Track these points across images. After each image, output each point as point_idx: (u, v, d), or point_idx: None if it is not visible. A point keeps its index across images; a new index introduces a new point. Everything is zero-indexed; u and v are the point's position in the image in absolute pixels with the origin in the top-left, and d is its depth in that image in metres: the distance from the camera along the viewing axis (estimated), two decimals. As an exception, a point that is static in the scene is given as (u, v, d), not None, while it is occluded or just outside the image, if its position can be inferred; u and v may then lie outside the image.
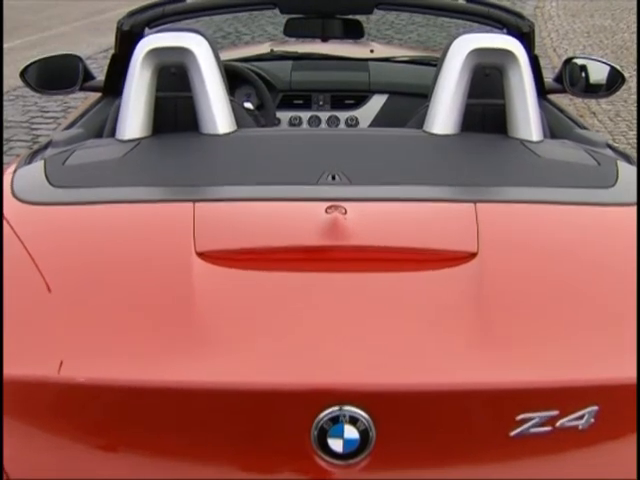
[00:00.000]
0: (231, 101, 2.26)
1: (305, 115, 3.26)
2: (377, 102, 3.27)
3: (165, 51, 2.17)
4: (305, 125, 3.26)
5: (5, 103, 6.80)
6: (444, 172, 1.99)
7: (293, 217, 1.75)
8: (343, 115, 3.26)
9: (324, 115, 3.27)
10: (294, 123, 3.25)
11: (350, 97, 3.29)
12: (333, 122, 3.26)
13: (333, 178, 1.90)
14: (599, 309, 1.54)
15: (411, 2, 2.79)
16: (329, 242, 1.63)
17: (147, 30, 2.85)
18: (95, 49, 9.05)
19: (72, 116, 2.94)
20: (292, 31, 3.04)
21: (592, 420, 1.35)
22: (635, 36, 9.53)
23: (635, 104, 6.91)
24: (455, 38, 2.27)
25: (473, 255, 1.63)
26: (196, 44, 2.17)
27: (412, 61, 3.49)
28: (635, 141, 6.13)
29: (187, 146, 2.11)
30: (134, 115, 2.15)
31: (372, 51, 3.49)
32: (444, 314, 1.50)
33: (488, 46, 2.19)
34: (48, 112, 6.80)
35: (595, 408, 1.35)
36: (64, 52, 3.03)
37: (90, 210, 1.79)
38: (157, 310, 1.51)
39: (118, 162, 2.01)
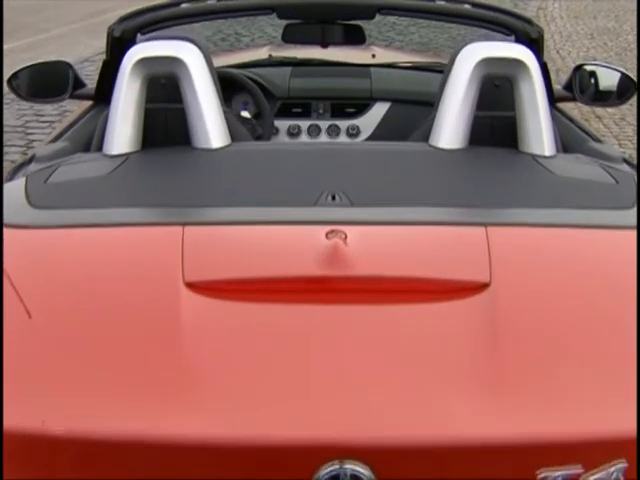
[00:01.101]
0: (225, 112, 2.14)
1: (304, 124, 3.14)
2: (379, 110, 3.15)
3: (155, 61, 2.05)
4: (304, 134, 3.14)
5: (0, 107, 6.69)
6: (452, 191, 1.86)
7: (290, 243, 1.63)
8: (344, 124, 3.14)
9: (324, 124, 3.15)
10: (293, 132, 3.13)
11: (351, 105, 3.17)
12: (333, 131, 3.14)
13: (333, 198, 1.78)
14: (627, 350, 1.40)
15: (414, 7, 2.67)
16: (329, 272, 1.51)
17: (139, 36, 2.74)
18: (93, 51, 8.93)
19: (60, 126, 2.82)
20: (291, 37, 2.91)
21: (620, 477, 1.22)
22: (639, 38, 9.42)
23: (641, 108, 6.79)
24: (462, 47, 2.14)
25: (485, 286, 1.51)
26: (187, 53, 2.05)
27: (416, 67, 3.36)
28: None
29: (178, 162, 1.99)
30: (122, 128, 2.03)
31: (374, 56, 3.36)
32: (453, 356, 1.38)
33: (498, 55, 2.07)
34: (44, 116, 6.68)
35: (623, 464, 1.22)
36: (53, 59, 2.92)
37: (70, 234, 1.66)
38: (141, 353, 1.38)
39: (104, 180, 1.88)
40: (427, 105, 3.14)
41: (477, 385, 1.32)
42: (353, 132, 3.13)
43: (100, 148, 2.14)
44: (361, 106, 3.16)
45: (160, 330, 1.42)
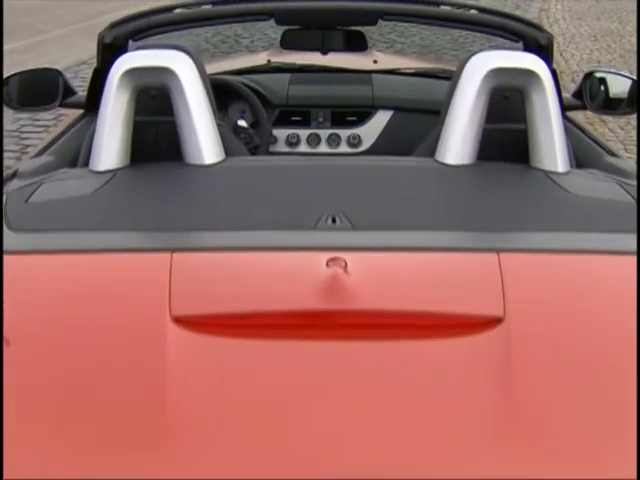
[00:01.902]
0: (219, 126, 2.02)
1: (304, 133, 3.03)
2: (381, 119, 3.04)
3: (144, 71, 1.93)
4: (304, 144, 3.02)
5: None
6: (460, 212, 1.74)
7: (287, 273, 1.50)
8: (345, 133, 3.03)
9: (324, 133, 3.03)
10: (292, 142, 3.02)
11: (352, 113, 3.05)
12: (334, 140, 3.03)
13: (334, 221, 1.66)
14: None
15: (418, 13, 2.55)
16: (328, 306, 1.39)
17: (131, 43, 2.64)
18: (91, 53, 8.80)
19: (48, 138, 2.71)
20: (290, 43, 2.80)
21: None
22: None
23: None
24: (470, 56, 2.03)
25: (499, 321, 1.39)
26: (179, 63, 1.93)
27: (419, 73, 3.25)
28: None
29: (168, 180, 1.87)
30: (109, 143, 1.91)
31: (376, 61, 3.24)
32: (463, 401, 1.26)
33: (508, 66, 1.94)
34: (39, 120, 6.58)
35: None
36: (42, 66, 2.82)
37: (50, 261, 1.53)
38: (121, 398, 1.26)
39: (89, 200, 1.76)
40: (431, 113, 3.03)
41: (489, 435, 1.21)
42: (354, 141, 3.01)
43: (87, 163, 2.03)
44: (362, 114, 3.05)
45: (143, 372, 1.30)
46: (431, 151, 2.03)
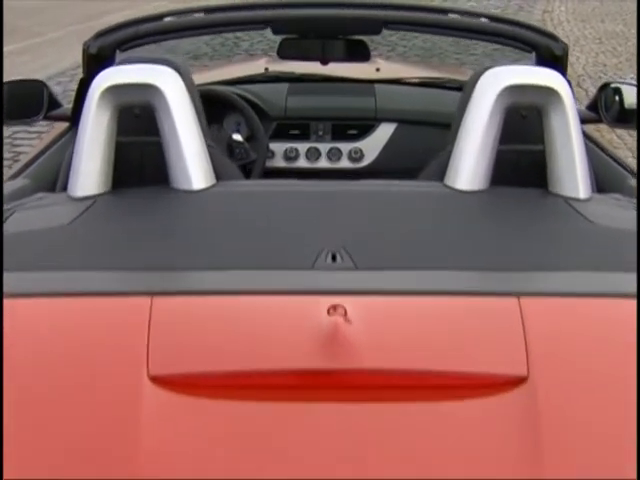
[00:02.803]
0: (210, 147, 1.85)
1: (302, 147, 2.87)
2: (384, 132, 2.88)
3: (126, 88, 1.76)
4: (303, 158, 2.86)
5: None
6: (474, 247, 1.57)
7: (280, 322, 1.33)
8: (346, 147, 2.87)
9: (324, 147, 2.87)
10: (290, 156, 2.85)
11: (354, 126, 2.89)
12: (334, 155, 2.87)
13: (334, 259, 1.49)
14: None
15: (424, 21, 2.39)
16: (328, 364, 1.22)
17: (119, 53, 2.49)
18: (87, 57, 8.67)
19: (29, 155, 2.54)
20: (287, 53, 2.64)
21: None
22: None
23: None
24: (483, 71, 1.86)
25: (522, 380, 1.22)
26: (165, 79, 1.76)
27: (424, 83, 3.08)
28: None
29: (151, 208, 1.70)
30: (89, 166, 1.75)
31: (378, 70, 3.08)
32: (483, 474, 1.10)
33: (525, 82, 1.77)
34: (33, 126, 6.42)
35: None
36: (26, 77, 2.67)
37: (13, 305, 1.35)
38: (91, 470, 1.10)
39: (64, 231, 1.59)
40: (437, 126, 2.87)
41: None
42: (356, 156, 2.85)
43: (66, 187, 1.86)
44: (365, 127, 2.89)
45: (115, 440, 1.13)
46: (440, 172, 1.86)
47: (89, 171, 1.74)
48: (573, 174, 1.77)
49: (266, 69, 3.13)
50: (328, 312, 1.24)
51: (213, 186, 1.77)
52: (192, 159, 1.74)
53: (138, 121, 1.94)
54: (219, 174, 1.84)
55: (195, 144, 1.76)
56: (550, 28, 11.35)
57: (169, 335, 1.30)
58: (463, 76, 3.33)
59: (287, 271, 1.44)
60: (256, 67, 3.26)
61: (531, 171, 1.89)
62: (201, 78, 3.26)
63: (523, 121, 1.96)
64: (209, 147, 1.85)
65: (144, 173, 1.89)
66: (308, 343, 1.23)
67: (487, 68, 1.88)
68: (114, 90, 1.75)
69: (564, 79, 1.84)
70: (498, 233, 1.62)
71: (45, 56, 9.80)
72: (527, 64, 2.19)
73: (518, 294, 1.36)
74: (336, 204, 1.69)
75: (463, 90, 2.00)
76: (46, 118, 2.56)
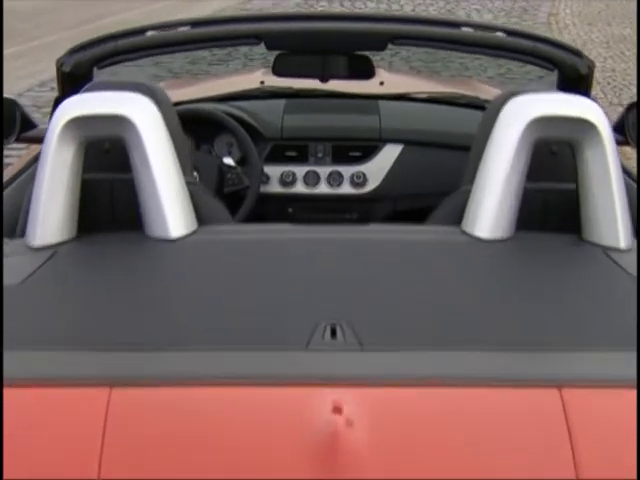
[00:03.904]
0: (190, 185, 1.60)
1: (300, 170, 2.63)
2: (390, 154, 2.64)
3: (92, 121, 1.51)
4: (300, 183, 2.63)
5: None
6: (502, 315, 1.31)
7: (263, 423, 1.07)
8: (347, 171, 2.63)
9: (324, 171, 2.63)
10: (287, 181, 2.62)
11: (356, 147, 2.65)
12: (335, 180, 2.63)
13: (333, 334, 1.23)
14: None
15: (435, 36, 2.15)
16: None
17: (96, 71, 2.25)
18: (82, 61, 8.43)
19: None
20: (283, 69, 2.41)
21: None
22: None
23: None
24: (506, 98, 1.61)
25: None
26: (137, 109, 1.51)
27: (433, 99, 2.84)
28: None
29: (120, 262, 1.46)
30: (49, 211, 1.50)
31: (382, 83, 2.82)
32: None
33: (558, 114, 1.52)
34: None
35: None
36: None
37: None
38: None
39: (14, 294, 1.34)
40: (448, 148, 2.63)
41: None
42: (358, 181, 2.61)
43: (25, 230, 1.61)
44: (368, 149, 2.65)
45: None
46: (455, 215, 1.61)
47: (49, 216, 1.49)
48: (612, 220, 1.51)
49: (262, 83, 2.88)
50: (325, 409, 1.00)
51: (193, 233, 1.52)
52: (169, 202, 1.49)
53: (108, 156, 1.69)
54: (202, 215, 1.59)
55: (172, 184, 1.51)
56: (556, 31, 11.10)
57: (128, 435, 1.06)
58: (474, 91, 3.09)
59: (274, 353, 1.18)
60: (251, 81, 3.02)
61: (561, 213, 1.64)
62: (192, 93, 3.03)
63: (552, 156, 1.71)
64: (190, 185, 1.60)
65: (115, 214, 1.64)
66: (298, 452, 0.99)
67: (512, 94, 1.62)
68: (78, 122, 1.50)
69: (600, 109, 1.59)
70: (528, 295, 1.37)
71: (40, 61, 9.57)
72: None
73: (559, 383, 1.11)
74: (337, 258, 1.44)
75: (483, 118, 1.75)
76: (19, 140, 2.32)
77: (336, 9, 12.63)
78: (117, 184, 1.61)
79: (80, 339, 1.22)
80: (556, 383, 1.11)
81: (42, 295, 1.35)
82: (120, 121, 1.48)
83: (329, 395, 1.03)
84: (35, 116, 6.44)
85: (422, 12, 12.35)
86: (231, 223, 1.73)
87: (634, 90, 7.61)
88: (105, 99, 1.53)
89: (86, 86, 1.74)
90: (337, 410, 0.99)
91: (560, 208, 1.63)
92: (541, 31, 11.22)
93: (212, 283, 1.36)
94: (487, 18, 11.91)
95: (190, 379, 1.12)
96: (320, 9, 12.65)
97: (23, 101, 7.34)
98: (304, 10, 11.17)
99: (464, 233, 1.53)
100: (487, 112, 1.73)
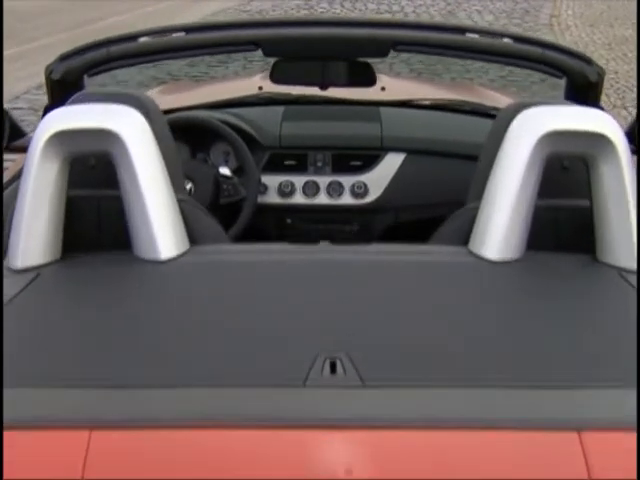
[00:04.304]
0: (182, 202, 1.52)
1: (299, 180, 2.54)
2: (391, 163, 2.55)
3: (77, 135, 1.41)
4: (299, 193, 2.54)
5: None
6: (514, 348, 1.22)
7: (254, 471, 0.98)
8: (348, 180, 2.54)
9: (323, 181, 2.55)
10: (285, 191, 2.53)
11: (357, 157, 2.56)
12: (335, 190, 2.54)
13: (333, 368, 1.14)
14: None
15: (439, 42, 2.07)
16: None
17: (87, 79, 2.17)
18: (79, 64, 8.34)
19: None
20: (281, 76, 2.32)
21: None
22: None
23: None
24: (516, 109, 1.52)
25: None
26: (125, 123, 1.41)
27: (436, 106, 2.75)
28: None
29: (106, 286, 1.37)
30: (32, 230, 1.41)
31: (383, 89, 2.73)
32: None
33: (571, 128, 1.42)
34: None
35: None
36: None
37: None
38: None
39: None
40: (452, 157, 2.54)
41: None
42: (359, 191, 2.53)
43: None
44: (369, 158, 2.56)
45: None
46: (461, 234, 1.52)
47: (32, 236, 1.41)
48: (628, 239, 1.42)
49: (260, 88, 2.79)
50: (323, 456, 0.91)
51: (185, 254, 1.43)
52: (158, 222, 1.40)
53: (94, 172, 1.60)
54: (194, 234, 1.51)
55: (162, 202, 1.42)
56: (558, 33, 11.02)
57: None
58: (479, 97, 3.00)
59: (268, 391, 1.09)
60: (249, 86, 2.93)
61: (573, 231, 1.55)
62: (189, 98, 2.95)
63: (563, 171, 1.62)
64: (182, 202, 1.51)
65: (102, 233, 1.55)
66: None
67: (523, 105, 1.53)
68: (62, 137, 1.41)
69: (616, 122, 1.50)
70: (541, 324, 1.27)
71: (37, 63, 9.49)
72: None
73: (578, 425, 1.02)
74: (336, 282, 1.35)
75: (492, 130, 1.66)
76: (8, 149, 2.24)
77: (336, 9, 12.56)
78: (104, 201, 1.53)
79: (59, 375, 1.13)
80: (575, 426, 1.02)
81: (21, 323, 1.26)
82: (107, 135, 1.39)
83: (328, 439, 0.94)
84: (32, 119, 6.37)
85: (423, 13, 12.27)
86: (225, 242, 1.64)
87: (638, 92, 7.53)
88: (91, 112, 1.44)
89: (72, 98, 1.66)
90: (336, 457, 0.90)
91: (572, 226, 1.54)
92: (543, 32, 11.14)
93: (202, 310, 1.28)
94: (488, 19, 11.83)
95: (175, 421, 1.03)
96: (320, 10, 12.58)
97: (20, 104, 7.28)
98: (303, 15, 11.10)
99: (471, 254, 1.44)
100: (496, 124, 1.65)
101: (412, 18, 11.84)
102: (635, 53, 9.58)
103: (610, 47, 10.04)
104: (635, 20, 11.70)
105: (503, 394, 1.09)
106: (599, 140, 1.42)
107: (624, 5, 12.59)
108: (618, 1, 13.19)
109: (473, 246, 1.45)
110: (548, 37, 10.79)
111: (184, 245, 1.44)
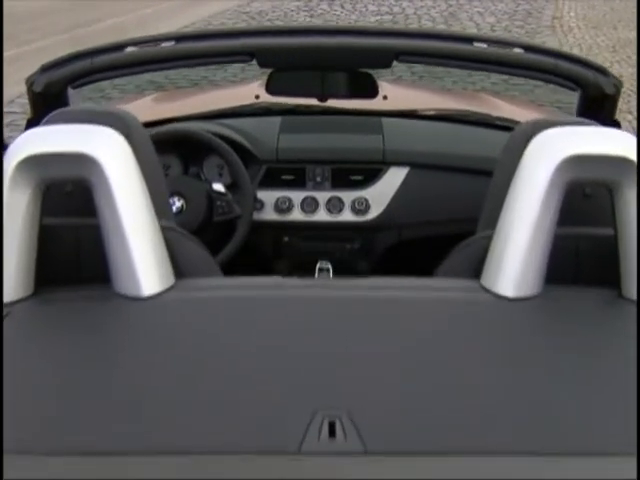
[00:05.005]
0: (168, 231, 1.39)
1: (297, 196, 2.41)
2: (394, 178, 2.42)
3: (51, 160, 1.28)
4: (297, 210, 2.41)
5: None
6: (533, 409, 1.08)
7: None
8: (348, 196, 2.41)
9: (322, 196, 2.42)
10: (282, 208, 2.40)
11: (358, 171, 2.44)
12: (335, 206, 2.41)
13: (332, 431, 1.01)
14: None
15: (445, 52, 1.94)
16: None
17: (70, 91, 2.05)
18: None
19: None
20: (278, 88, 2.19)
21: None
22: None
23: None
24: (532, 130, 1.38)
25: None
26: (104, 145, 1.28)
27: (441, 116, 2.62)
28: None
29: (83, 327, 1.24)
30: (2, 264, 1.28)
31: (385, 97, 2.60)
32: None
33: (595, 152, 1.29)
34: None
35: None
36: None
37: None
38: None
39: None
40: (457, 172, 2.42)
41: None
42: (360, 207, 2.40)
43: None
44: (371, 172, 2.43)
45: None
46: (470, 266, 1.39)
47: (2, 270, 1.28)
48: None
49: (257, 96, 2.66)
50: None
51: (170, 289, 1.30)
52: (140, 255, 1.27)
53: (71, 200, 1.47)
54: (181, 265, 1.38)
55: (145, 233, 1.29)
56: (560, 35, 10.89)
57: None
58: (486, 106, 2.88)
59: (258, 458, 0.96)
60: (246, 94, 2.80)
61: (595, 262, 1.42)
62: (183, 108, 2.82)
63: (584, 198, 1.49)
64: (167, 230, 1.38)
65: (81, 265, 1.42)
66: None
67: (540, 125, 1.40)
68: (34, 162, 1.28)
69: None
70: (564, 377, 1.14)
71: (35, 66, 9.38)
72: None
73: None
74: (337, 324, 1.22)
75: (505, 151, 1.53)
76: None
77: (337, 10, 12.44)
78: (84, 230, 1.40)
79: (24, 442, 1.00)
80: None
81: None
82: (83, 160, 1.26)
83: None
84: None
85: (424, 14, 12.14)
86: (216, 274, 1.51)
87: (643, 96, 7.41)
88: (66, 134, 1.31)
89: (48, 116, 1.53)
90: None
91: (594, 257, 1.41)
92: (545, 34, 11.02)
93: (185, 359, 1.14)
94: (490, 21, 11.71)
95: None
96: (320, 11, 12.46)
97: (14, 108, 7.16)
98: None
99: (484, 290, 1.31)
100: (510, 144, 1.52)
101: (414, 19, 11.73)
102: (639, 56, 9.48)
103: (614, 50, 9.92)
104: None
105: (521, 464, 0.96)
106: (624, 164, 1.29)
107: (627, 7, 12.48)
108: (621, 3, 13.08)
109: (486, 280, 1.31)
110: (551, 39, 10.68)
111: (169, 279, 1.31)
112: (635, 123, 6.10)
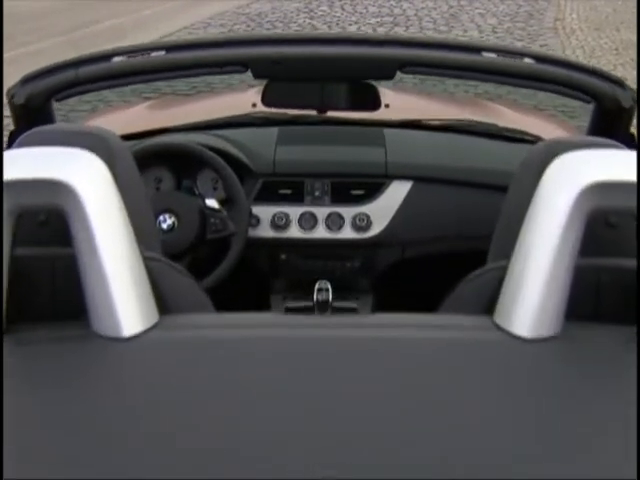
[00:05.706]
0: (150, 261, 1.27)
1: (295, 212, 2.30)
2: (397, 193, 2.31)
3: (22, 187, 1.17)
4: (295, 226, 2.30)
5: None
6: (554, 471, 0.97)
7: None
8: (349, 212, 2.30)
9: (322, 212, 2.31)
10: (279, 224, 2.29)
11: (359, 185, 2.32)
12: (334, 223, 2.30)
13: None
14: None
15: (452, 63, 1.83)
16: None
17: (54, 103, 1.95)
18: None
19: None
20: (275, 99, 2.08)
21: None
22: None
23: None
24: (554, 153, 1.27)
25: None
26: (80, 172, 1.16)
27: (447, 127, 2.51)
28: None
29: (55, 373, 1.12)
30: None
31: (387, 106, 2.48)
32: None
33: (620, 179, 1.17)
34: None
35: None
36: None
37: None
38: None
39: None
40: (463, 186, 2.31)
41: None
42: (361, 224, 2.28)
43: None
44: (372, 187, 2.32)
45: None
46: (485, 294, 1.28)
47: None
48: None
49: (254, 105, 2.55)
50: None
51: (152, 328, 1.18)
52: (120, 292, 1.15)
53: (46, 229, 1.36)
54: (166, 299, 1.26)
55: (126, 267, 1.17)
56: (563, 37, 10.80)
57: None
58: (492, 115, 2.76)
59: None
60: (242, 102, 2.69)
61: (616, 296, 1.31)
62: (176, 117, 2.71)
63: (608, 228, 1.38)
64: (150, 261, 1.27)
65: (56, 300, 1.31)
66: None
67: (558, 148, 1.29)
68: (5, 188, 1.17)
69: None
70: (587, 428, 1.03)
71: (28, 69, 9.28)
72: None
73: None
74: (340, 372, 1.10)
75: (519, 174, 1.42)
76: None
77: (337, 12, 12.34)
78: (60, 262, 1.28)
79: None
80: None
81: None
82: (57, 188, 1.15)
83: None
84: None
85: (425, 16, 12.04)
86: (204, 309, 1.40)
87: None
88: (39, 158, 1.19)
89: (20, 137, 1.42)
90: None
91: (616, 290, 1.30)
92: (547, 36, 10.92)
93: (168, 407, 1.03)
94: (491, 23, 11.62)
95: None
96: (320, 13, 12.36)
97: (7, 112, 7.06)
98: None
99: (498, 328, 1.19)
100: (525, 167, 1.40)
101: (414, 20, 11.63)
102: (643, 58, 9.38)
103: (617, 52, 9.83)
104: (642, 24, 11.51)
105: None
106: None
107: (629, 8, 12.38)
108: (623, 4, 12.99)
109: (500, 317, 1.20)
110: (553, 41, 10.59)
111: (152, 317, 1.19)
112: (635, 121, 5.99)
